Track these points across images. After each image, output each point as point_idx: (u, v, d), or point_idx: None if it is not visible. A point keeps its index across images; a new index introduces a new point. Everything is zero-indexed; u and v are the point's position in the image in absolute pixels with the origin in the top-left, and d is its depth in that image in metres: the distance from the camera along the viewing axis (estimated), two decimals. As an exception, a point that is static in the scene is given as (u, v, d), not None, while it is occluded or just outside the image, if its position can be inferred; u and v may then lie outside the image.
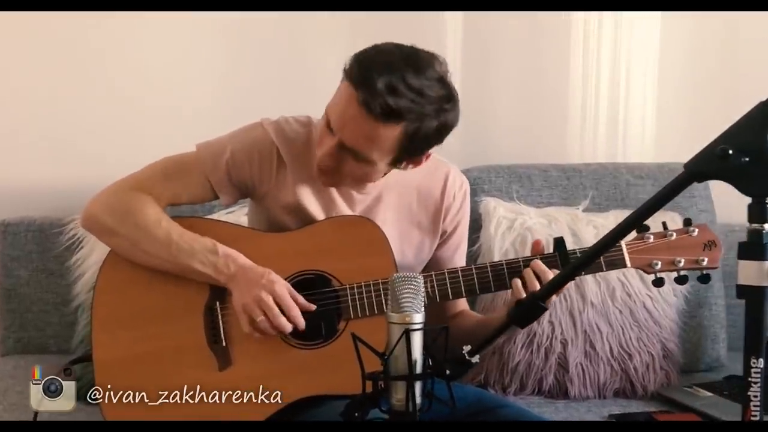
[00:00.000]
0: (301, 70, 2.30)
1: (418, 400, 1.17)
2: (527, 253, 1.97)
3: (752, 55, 2.40)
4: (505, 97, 2.37)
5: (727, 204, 2.18)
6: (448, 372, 1.17)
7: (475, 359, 1.17)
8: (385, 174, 1.56)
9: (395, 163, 1.51)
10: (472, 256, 2.01)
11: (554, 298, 1.40)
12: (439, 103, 1.43)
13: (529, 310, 1.08)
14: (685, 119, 2.43)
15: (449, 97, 1.44)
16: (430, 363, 1.20)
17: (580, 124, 2.42)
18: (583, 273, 1.37)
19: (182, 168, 1.59)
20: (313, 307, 1.50)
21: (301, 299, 1.50)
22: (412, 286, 1.21)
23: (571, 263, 1.06)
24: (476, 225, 2.04)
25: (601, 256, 1.03)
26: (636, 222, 0.99)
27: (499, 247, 2.02)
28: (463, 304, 1.76)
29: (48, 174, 2.28)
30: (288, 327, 1.48)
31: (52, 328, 2.18)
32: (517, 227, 2.04)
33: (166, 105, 2.28)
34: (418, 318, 1.20)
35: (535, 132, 2.41)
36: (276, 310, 1.47)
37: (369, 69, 1.39)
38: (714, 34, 2.39)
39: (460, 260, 1.74)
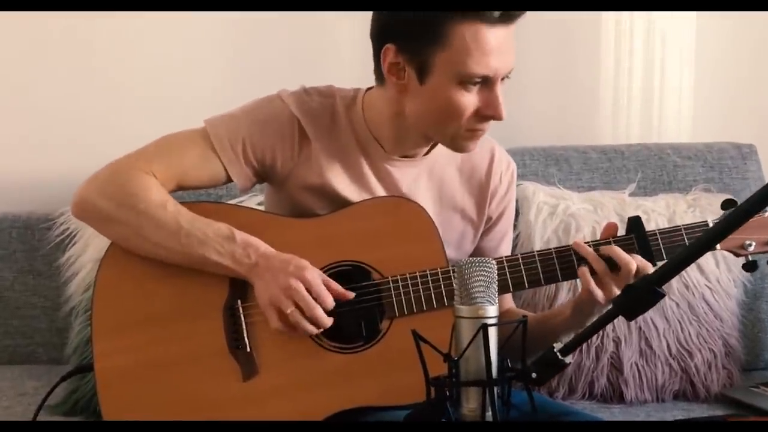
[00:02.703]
0: (307, 64, 2.14)
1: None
2: (571, 242, 1.80)
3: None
4: (533, 75, 2.18)
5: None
6: (534, 375, 0.97)
7: (569, 359, 0.97)
8: None
9: None
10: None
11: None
12: None
13: (642, 297, 0.88)
14: (724, 95, 2.27)
15: None
16: (509, 364, 1.00)
17: (612, 102, 2.25)
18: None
19: (189, 146, 1.38)
20: (352, 294, 1.30)
21: (335, 286, 1.30)
22: (484, 273, 1.02)
23: (704, 234, 0.86)
24: (514, 212, 1.85)
25: (751, 218, 0.84)
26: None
27: (540, 236, 1.84)
28: (509, 301, 1.56)
29: (35, 166, 2.11)
30: (325, 319, 1.27)
31: (41, 335, 2.01)
32: (559, 213, 1.85)
33: (160, 93, 2.11)
34: (493, 311, 1.00)
35: (565, 111, 2.23)
36: (310, 299, 1.26)
37: None
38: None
39: (505, 252, 1.55)
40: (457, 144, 1.35)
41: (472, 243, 1.50)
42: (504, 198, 1.51)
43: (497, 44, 1.26)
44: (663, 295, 0.89)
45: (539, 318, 1.46)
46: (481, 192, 1.48)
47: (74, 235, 1.88)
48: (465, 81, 1.27)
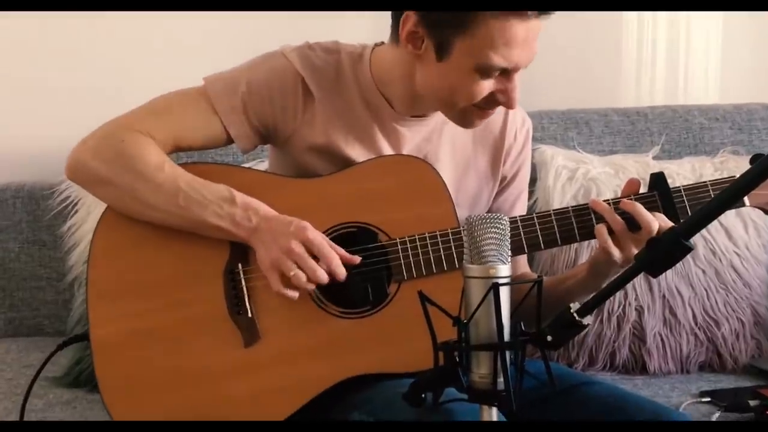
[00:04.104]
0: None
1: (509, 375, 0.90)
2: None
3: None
4: (551, 35, 2.08)
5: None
6: (549, 338, 0.90)
7: (587, 320, 0.89)
8: None
9: None
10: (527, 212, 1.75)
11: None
12: None
13: (668, 250, 0.80)
14: (753, 54, 2.18)
15: None
16: (522, 327, 0.93)
17: (636, 62, 2.17)
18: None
19: (187, 105, 1.31)
20: (358, 259, 1.24)
21: (341, 251, 1.23)
22: (496, 230, 0.94)
23: (733, 183, 0.79)
24: (531, 176, 1.77)
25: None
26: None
27: (559, 201, 1.77)
28: (524, 265, 1.49)
29: (39, 135, 2.05)
30: (325, 279, 1.21)
31: (46, 308, 1.97)
32: (579, 177, 1.78)
33: (169, 60, 2.06)
34: (505, 270, 0.93)
35: (585, 72, 2.15)
36: (310, 260, 1.20)
37: None
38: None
39: (520, 213, 1.47)
40: (464, 120, 1.29)
41: (487, 204, 1.43)
42: (519, 156, 1.44)
43: (524, 38, 1.18)
44: (690, 249, 0.81)
45: (554, 280, 1.39)
46: (495, 150, 1.41)
47: (76, 203, 1.84)
48: (486, 70, 1.20)
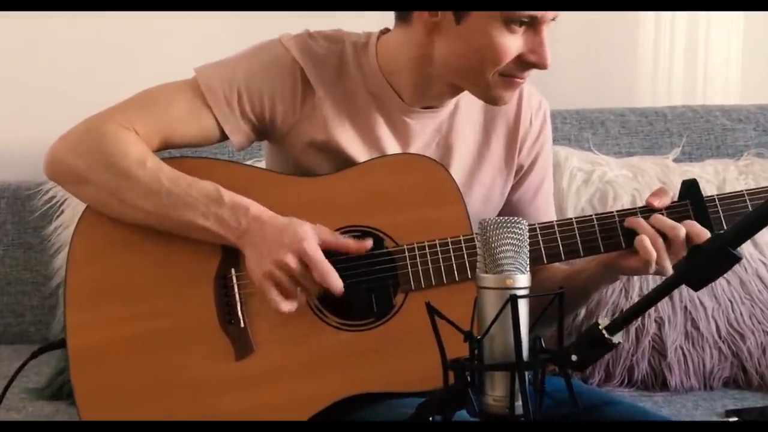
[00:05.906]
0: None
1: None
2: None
3: None
4: (566, 31, 1.98)
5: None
6: (574, 357, 0.80)
7: (617, 339, 0.79)
8: None
9: None
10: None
11: None
12: None
13: (712, 261, 0.71)
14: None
15: None
16: (542, 345, 0.84)
17: (653, 61, 2.08)
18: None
19: (176, 97, 1.22)
20: (370, 243, 1.14)
21: (345, 243, 1.14)
22: (513, 235, 0.85)
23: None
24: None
25: None
26: None
27: (574, 205, 1.67)
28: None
29: (26, 133, 1.95)
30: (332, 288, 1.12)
31: (32, 313, 1.88)
32: (595, 180, 1.69)
33: (161, 60, 1.95)
34: (523, 281, 0.84)
35: (601, 71, 2.06)
36: (308, 279, 1.11)
37: None
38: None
39: (545, 204, 1.36)
40: (492, 94, 1.18)
41: (501, 196, 1.32)
42: (535, 143, 1.33)
43: None
44: (739, 259, 0.72)
45: (570, 273, 1.29)
46: (510, 138, 1.31)
47: (62, 203, 1.75)
48: (510, 20, 1.10)
